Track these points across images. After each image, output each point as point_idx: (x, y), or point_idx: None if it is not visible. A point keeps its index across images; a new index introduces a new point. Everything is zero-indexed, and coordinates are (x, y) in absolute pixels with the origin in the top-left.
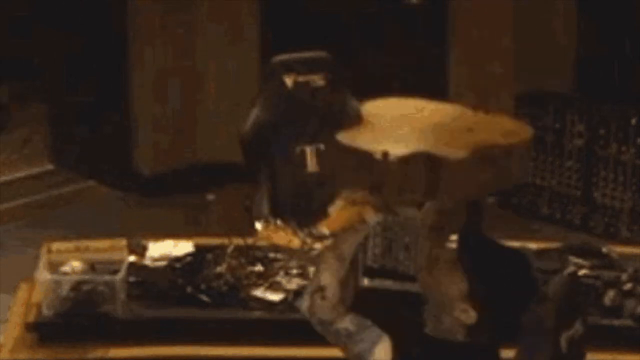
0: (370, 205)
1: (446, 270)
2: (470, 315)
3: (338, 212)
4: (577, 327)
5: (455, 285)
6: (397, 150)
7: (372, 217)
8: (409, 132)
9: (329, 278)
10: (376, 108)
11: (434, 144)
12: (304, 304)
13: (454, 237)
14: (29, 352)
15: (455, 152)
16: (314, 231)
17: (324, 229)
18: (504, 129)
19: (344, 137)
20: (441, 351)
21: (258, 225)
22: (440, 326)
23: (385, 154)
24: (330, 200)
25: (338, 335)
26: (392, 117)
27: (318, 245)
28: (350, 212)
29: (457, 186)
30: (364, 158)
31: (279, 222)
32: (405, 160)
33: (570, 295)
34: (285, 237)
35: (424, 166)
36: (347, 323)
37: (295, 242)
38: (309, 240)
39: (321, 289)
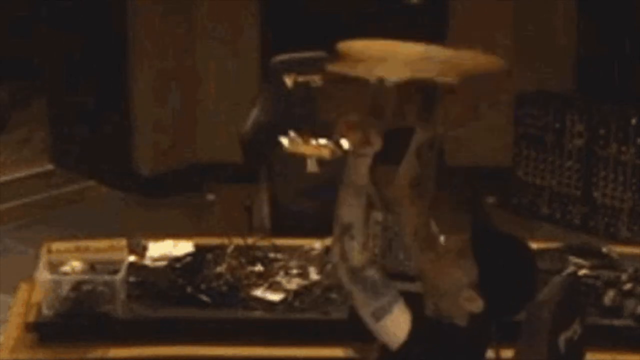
0: (373, 128)
1: (458, 258)
2: (477, 304)
3: (344, 132)
4: (576, 328)
5: (465, 273)
6: (392, 76)
7: (378, 140)
8: (398, 63)
9: (351, 215)
10: (358, 46)
11: (424, 72)
12: (334, 252)
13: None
14: (29, 352)
15: (446, 78)
16: (340, 143)
17: (343, 141)
18: (478, 60)
19: (338, 67)
20: (438, 334)
21: (284, 141)
22: (440, 311)
23: (381, 79)
24: (333, 125)
25: (364, 284)
26: (376, 52)
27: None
28: (355, 134)
29: (448, 110)
30: (359, 85)
31: (302, 135)
32: (401, 85)
33: (569, 295)
34: (315, 148)
35: (418, 91)
36: (374, 272)
37: (325, 152)
38: (338, 151)
39: (347, 228)
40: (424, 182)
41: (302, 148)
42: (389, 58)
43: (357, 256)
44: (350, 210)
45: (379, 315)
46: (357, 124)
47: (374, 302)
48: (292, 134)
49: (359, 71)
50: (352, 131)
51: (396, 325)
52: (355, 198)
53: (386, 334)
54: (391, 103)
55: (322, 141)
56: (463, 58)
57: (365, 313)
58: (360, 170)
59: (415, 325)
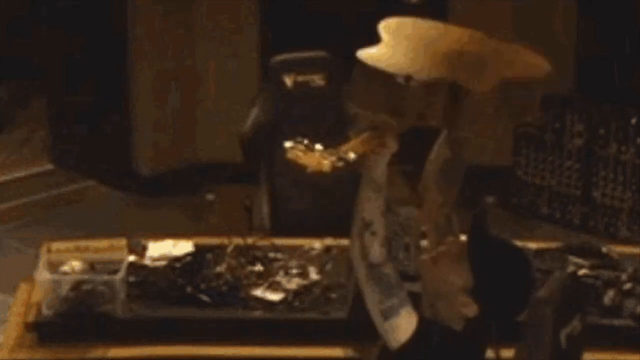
0: (391, 130)
1: (453, 263)
2: (472, 309)
3: (358, 136)
4: (576, 324)
5: (460, 278)
6: (421, 75)
7: (394, 142)
8: (431, 57)
9: (372, 212)
10: (399, 27)
11: (457, 73)
12: (354, 248)
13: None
14: (29, 352)
15: (479, 84)
16: (343, 155)
17: (350, 153)
18: (523, 61)
19: (368, 57)
20: (437, 337)
21: (287, 144)
22: (436, 314)
23: (409, 79)
24: (352, 123)
25: (381, 281)
26: (415, 38)
27: (343, 165)
28: (371, 136)
29: (475, 116)
30: (386, 80)
31: (306, 142)
32: (429, 86)
33: (569, 291)
34: (315, 158)
35: (446, 94)
36: (391, 270)
37: (326, 165)
38: (339, 164)
39: (368, 224)
40: (453, 171)
41: (303, 158)
42: (425, 50)
43: (378, 251)
44: (371, 207)
45: (387, 314)
46: (375, 126)
47: (386, 300)
48: (296, 140)
49: (389, 66)
50: (369, 133)
51: (401, 327)
52: (375, 195)
53: (390, 334)
54: (416, 103)
55: (324, 152)
56: (506, 56)
57: (374, 310)
58: (378, 169)
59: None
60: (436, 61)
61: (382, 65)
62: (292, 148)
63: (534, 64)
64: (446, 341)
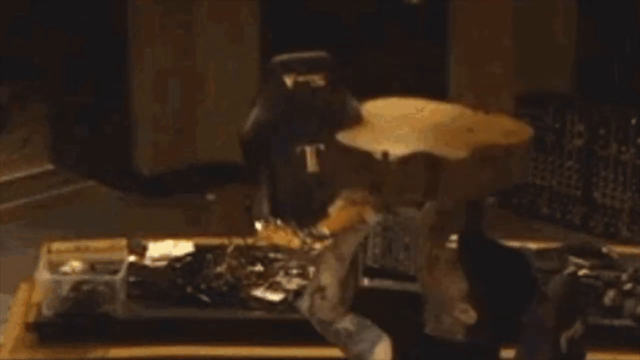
0: (370, 205)
1: (446, 270)
2: (470, 315)
3: (338, 212)
4: (577, 327)
5: (455, 285)
6: (397, 150)
7: (372, 218)
8: (409, 132)
9: (328, 278)
10: (376, 108)
11: (433, 144)
12: (303, 304)
13: (454, 237)
14: (29, 352)
15: (455, 152)
16: (314, 231)
17: (324, 229)
18: (504, 128)
19: (344, 137)
20: (441, 351)
21: (258, 225)
22: (440, 326)
23: (385, 154)
24: (331, 200)
25: (338, 335)
26: (392, 117)
27: (318, 245)
28: (350, 212)
29: (457, 186)
30: (364, 158)
31: (278, 222)
32: (405, 160)
33: (570, 295)
34: (285, 237)
35: (424, 166)
36: (347, 323)
37: (296, 242)
38: (309, 240)
39: (321, 289)
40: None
41: (274, 237)
42: (402, 125)
43: (327, 313)
44: (329, 274)
45: (361, 358)
46: (354, 202)
47: (353, 347)
48: (266, 220)
49: (365, 143)
50: (347, 209)
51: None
52: (338, 264)
53: None
54: (394, 178)
55: (294, 229)
56: (485, 126)
57: (348, 356)
58: (350, 243)
59: (413, 340)
60: (411, 136)
61: (357, 143)
62: (263, 228)
63: (513, 130)
64: (450, 357)
